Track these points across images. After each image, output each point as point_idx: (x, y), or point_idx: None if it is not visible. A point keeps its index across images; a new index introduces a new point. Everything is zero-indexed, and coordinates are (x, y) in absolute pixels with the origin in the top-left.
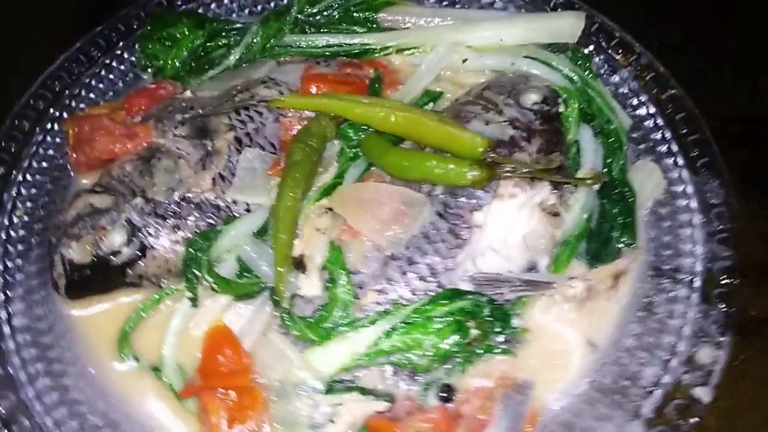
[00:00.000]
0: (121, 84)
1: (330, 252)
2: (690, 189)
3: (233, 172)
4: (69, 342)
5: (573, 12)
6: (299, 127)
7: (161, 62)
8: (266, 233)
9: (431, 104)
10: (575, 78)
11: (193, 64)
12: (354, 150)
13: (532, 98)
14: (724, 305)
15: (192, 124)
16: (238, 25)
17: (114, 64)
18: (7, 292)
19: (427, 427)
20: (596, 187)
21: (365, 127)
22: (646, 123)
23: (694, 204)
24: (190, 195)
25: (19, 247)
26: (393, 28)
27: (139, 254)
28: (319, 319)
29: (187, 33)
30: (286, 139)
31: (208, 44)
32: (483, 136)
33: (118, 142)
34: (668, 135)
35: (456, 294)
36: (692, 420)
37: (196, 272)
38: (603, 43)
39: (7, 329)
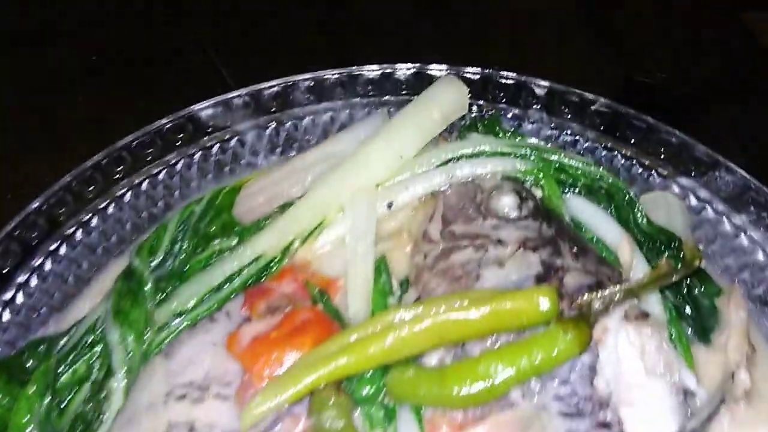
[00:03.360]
0: None
1: None
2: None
3: None
4: None
5: (444, 79)
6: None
7: None
8: None
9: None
10: (523, 151)
11: None
12: (382, 406)
13: (507, 202)
14: None
15: None
16: (69, 339)
17: None
18: None
19: None
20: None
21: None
22: None
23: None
24: None
25: None
26: (265, 218)
27: None
28: None
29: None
30: None
31: (55, 398)
32: (535, 287)
33: None
34: None
35: None
36: None
37: None
38: None
39: None
